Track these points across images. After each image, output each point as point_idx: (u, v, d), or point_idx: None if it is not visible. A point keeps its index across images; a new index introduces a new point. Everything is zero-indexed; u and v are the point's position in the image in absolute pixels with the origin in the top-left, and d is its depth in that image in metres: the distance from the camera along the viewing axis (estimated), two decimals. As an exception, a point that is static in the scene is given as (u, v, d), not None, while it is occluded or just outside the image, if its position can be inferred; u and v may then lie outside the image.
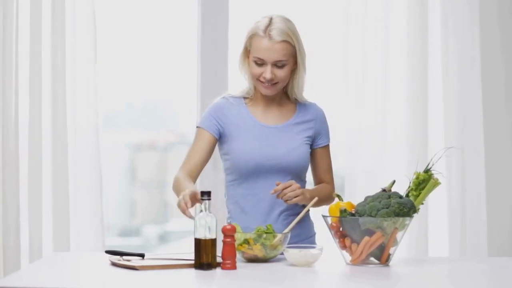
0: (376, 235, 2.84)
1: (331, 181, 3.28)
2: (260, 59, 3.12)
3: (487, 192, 4.32)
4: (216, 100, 3.26)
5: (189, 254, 2.88)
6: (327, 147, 3.29)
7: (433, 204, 4.28)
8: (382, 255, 2.88)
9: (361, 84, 4.29)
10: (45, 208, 4.07)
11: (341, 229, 2.90)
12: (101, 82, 4.14)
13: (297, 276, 2.73)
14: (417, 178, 2.95)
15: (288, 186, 3.06)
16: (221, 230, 2.81)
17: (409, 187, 2.96)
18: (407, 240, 4.20)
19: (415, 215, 2.90)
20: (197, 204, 2.84)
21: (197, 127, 3.23)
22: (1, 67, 4.00)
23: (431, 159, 3.02)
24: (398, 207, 2.84)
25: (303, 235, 3.21)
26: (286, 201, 3.06)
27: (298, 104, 3.27)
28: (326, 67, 4.45)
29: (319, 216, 2.98)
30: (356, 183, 4.28)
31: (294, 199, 3.06)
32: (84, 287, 2.57)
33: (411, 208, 2.87)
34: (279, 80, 3.14)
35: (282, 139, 3.20)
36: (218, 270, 2.78)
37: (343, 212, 2.91)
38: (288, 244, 2.96)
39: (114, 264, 2.85)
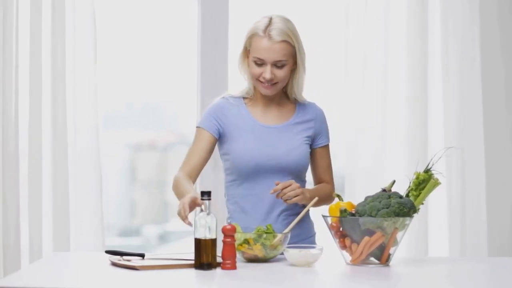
0: (376, 235, 2.84)
1: (331, 181, 3.28)
2: (259, 59, 3.12)
3: (487, 192, 4.32)
4: (215, 100, 3.26)
5: (189, 254, 2.88)
6: (326, 146, 3.29)
7: (433, 204, 4.28)
8: (382, 255, 2.88)
9: (361, 84, 4.29)
10: (45, 208, 4.07)
11: (341, 229, 2.90)
12: (101, 82, 4.14)
13: (297, 276, 2.73)
14: (417, 178, 2.95)
15: (288, 186, 3.06)
16: (221, 230, 2.81)
17: (409, 187, 2.96)
18: (407, 240, 4.20)
19: (415, 215, 2.90)
20: (197, 208, 2.84)
21: (197, 127, 3.23)
22: (1, 67, 4.00)
23: (431, 159, 3.02)
24: (398, 207, 2.84)
25: (303, 235, 3.21)
26: (285, 200, 3.06)
27: (297, 104, 3.27)
28: (326, 67, 4.45)
29: (319, 216, 2.98)
30: (356, 183, 4.28)
31: (294, 199, 3.06)
32: (84, 287, 2.57)
33: (411, 208, 2.87)
34: (279, 80, 3.14)
35: (281, 139, 3.20)
36: (218, 270, 2.78)
37: (343, 212, 2.91)
38: (288, 244, 2.96)
39: (114, 264, 2.85)
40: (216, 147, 3.24)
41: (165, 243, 4.76)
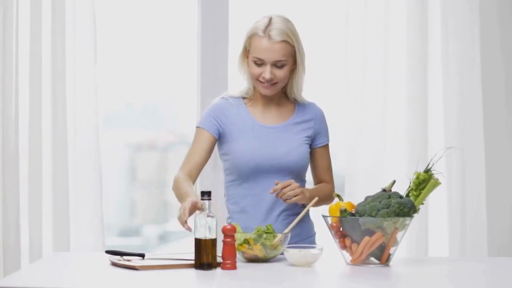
0: (376, 235, 2.84)
1: (331, 181, 3.28)
2: (259, 59, 3.12)
3: (487, 192, 4.32)
4: (215, 100, 3.26)
5: (189, 254, 2.88)
6: (326, 146, 3.29)
7: (433, 204, 4.28)
8: (382, 255, 2.88)
9: (361, 84, 4.29)
10: (45, 208, 4.07)
11: (341, 229, 2.90)
12: (101, 82, 4.14)
13: (297, 276, 2.73)
14: (417, 178, 2.95)
15: (288, 185, 3.06)
16: (221, 230, 2.81)
17: (409, 187, 2.96)
18: (407, 240, 4.20)
19: (415, 215, 2.89)
20: (197, 211, 2.83)
21: (196, 127, 3.23)
22: (1, 67, 4.00)
23: (431, 159, 3.02)
24: (398, 207, 2.84)
25: (303, 235, 3.21)
26: (285, 200, 3.06)
27: (297, 104, 3.27)
28: (326, 67, 4.45)
29: (319, 216, 2.98)
30: (356, 183, 4.28)
31: (294, 198, 3.06)
32: (84, 287, 2.57)
33: (411, 208, 2.87)
34: (279, 80, 3.14)
35: (281, 139, 3.19)
36: (218, 270, 2.78)
37: (343, 212, 2.91)
38: (288, 244, 2.96)
39: (114, 264, 2.85)
40: (216, 147, 3.24)
41: (165, 243, 4.76)
